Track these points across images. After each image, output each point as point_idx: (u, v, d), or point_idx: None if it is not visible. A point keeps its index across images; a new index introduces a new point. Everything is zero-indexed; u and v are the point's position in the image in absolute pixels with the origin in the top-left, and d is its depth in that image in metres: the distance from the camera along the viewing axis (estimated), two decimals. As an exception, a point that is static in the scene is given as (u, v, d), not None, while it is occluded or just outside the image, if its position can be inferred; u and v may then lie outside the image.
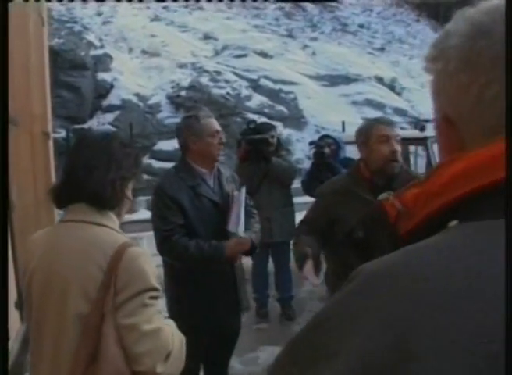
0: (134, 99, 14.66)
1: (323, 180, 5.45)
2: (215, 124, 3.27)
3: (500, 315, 0.51)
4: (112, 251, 1.71)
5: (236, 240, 3.16)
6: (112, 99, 14.50)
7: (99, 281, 1.68)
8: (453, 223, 0.67)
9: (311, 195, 5.91)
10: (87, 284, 1.69)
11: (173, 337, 1.80)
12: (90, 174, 1.81)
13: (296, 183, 6.54)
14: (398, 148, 2.96)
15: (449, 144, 0.78)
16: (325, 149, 5.60)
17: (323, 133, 6.62)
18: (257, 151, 5.26)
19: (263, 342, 5.00)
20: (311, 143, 6.16)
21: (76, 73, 13.94)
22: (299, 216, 6.05)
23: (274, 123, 15.58)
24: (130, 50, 17.87)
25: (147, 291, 1.71)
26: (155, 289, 1.76)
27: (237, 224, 3.15)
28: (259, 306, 5.74)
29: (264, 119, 15.22)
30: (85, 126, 13.98)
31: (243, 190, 3.29)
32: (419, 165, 7.29)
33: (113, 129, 12.30)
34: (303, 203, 8.01)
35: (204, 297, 3.10)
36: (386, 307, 0.57)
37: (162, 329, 1.74)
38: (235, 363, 4.37)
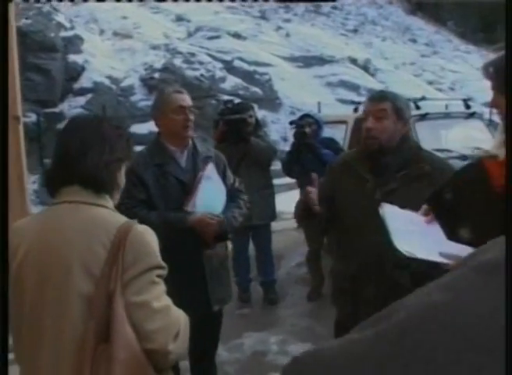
0: (107, 82, 14.40)
1: (304, 161, 5.39)
2: (180, 99, 3.08)
3: None
4: (115, 229, 1.67)
5: (202, 215, 2.98)
6: (84, 82, 14.22)
7: (103, 259, 1.63)
8: None
9: (292, 176, 5.86)
10: (90, 263, 1.64)
11: (180, 315, 1.76)
12: (84, 157, 1.76)
13: (276, 165, 6.47)
14: (375, 124, 2.67)
15: None
16: (306, 129, 5.44)
17: (300, 114, 6.52)
18: (235, 131, 5.13)
19: (247, 328, 4.95)
20: (291, 123, 5.95)
21: (45, 55, 13.60)
22: (279, 198, 6.03)
23: (248, 105, 15.65)
24: (102, 32, 17.56)
25: (155, 269, 1.68)
26: (162, 267, 1.72)
27: (194, 204, 2.98)
28: (241, 291, 5.66)
29: (238, 101, 15.20)
30: (56, 109, 13.70)
31: (209, 167, 3.10)
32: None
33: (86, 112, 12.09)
34: (283, 185, 7.98)
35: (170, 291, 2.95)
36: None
37: (171, 307, 1.71)
38: (220, 350, 4.35)
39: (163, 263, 1.73)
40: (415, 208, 2.09)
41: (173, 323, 1.68)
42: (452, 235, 1.19)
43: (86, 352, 1.55)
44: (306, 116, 5.81)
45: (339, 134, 6.65)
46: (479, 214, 0.67)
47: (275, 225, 6.09)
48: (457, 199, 0.85)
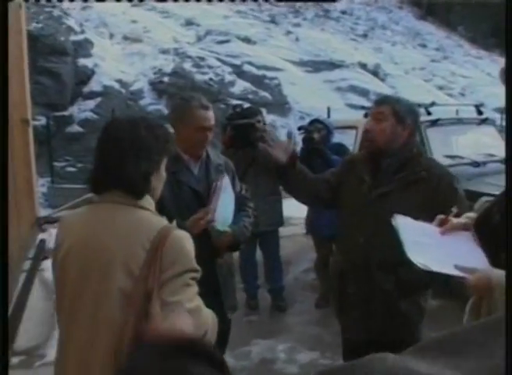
0: (116, 85, 14.46)
1: (313, 166, 5.32)
2: (205, 119, 3.00)
3: None
4: (156, 232, 1.79)
5: (197, 215, 2.86)
6: (94, 85, 14.29)
7: (142, 260, 1.75)
8: None
9: None
10: (131, 262, 1.76)
11: (209, 317, 1.86)
12: (123, 166, 1.87)
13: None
14: (374, 126, 2.72)
15: None
16: (315, 134, 5.33)
17: (310, 118, 6.46)
18: (243, 136, 4.97)
19: (255, 335, 4.89)
20: (299, 128, 5.88)
21: (55, 59, 13.69)
22: (287, 204, 5.99)
23: (258, 109, 15.66)
24: (111, 36, 17.64)
25: (190, 272, 1.81)
26: (196, 270, 1.86)
27: (213, 217, 2.88)
28: (249, 297, 5.60)
29: (247, 105, 15.19)
30: (66, 113, 13.77)
31: (225, 179, 3.04)
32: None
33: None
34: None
35: None
36: None
37: (202, 307, 1.83)
38: (227, 358, 4.30)
39: (197, 267, 1.85)
40: (409, 210, 2.15)
41: (202, 322, 1.79)
42: (495, 260, 1.15)
43: (122, 345, 1.68)
44: (315, 121, 5.74)
45: (349, 140, 6.59)
46: None
47: (283, 230, 6.04)
48: (504, 222, 0.80)
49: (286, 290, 5.84)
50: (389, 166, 2.71)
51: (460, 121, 6.61)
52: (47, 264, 4.54)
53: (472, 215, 1.94)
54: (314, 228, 5.65)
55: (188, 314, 1.70)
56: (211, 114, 3.04)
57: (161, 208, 2.94)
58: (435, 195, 2.56)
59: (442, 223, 1.91)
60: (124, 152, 1.88)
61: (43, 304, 5.44)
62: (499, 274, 1.26)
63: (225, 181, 3.03)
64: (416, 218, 2.11)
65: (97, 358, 1.76)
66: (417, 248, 1.79)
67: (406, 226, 1.95)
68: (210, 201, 2.95)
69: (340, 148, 5.52)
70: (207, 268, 3.02)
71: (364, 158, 2.87)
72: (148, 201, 1.93)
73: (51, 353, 4.37)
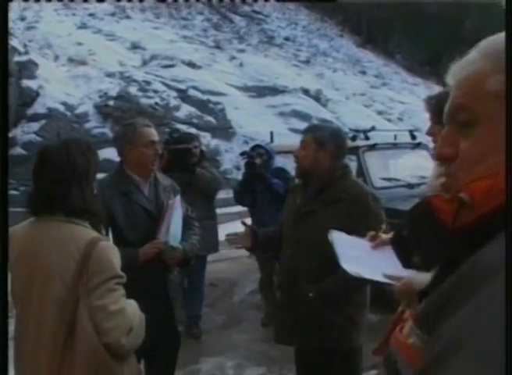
0: (61, 108, 14.35)
1: (255, 190, 5.55)
2: (152, 134, 3.24)
3: None
4: (84, 244, 2.06)
5: (150, 244, 3.09)
6: (38, 107, 14.13)
7: (73, 269, 2.03)
8: None
9: (243, 205, 5.99)
10: (64, 273, 2.03)
11: (134, 315, 2.17)
12: (66, 193, 2.13)
13: (230, 193, 6.56)
14: (299, 152, 3.10)
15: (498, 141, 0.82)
16: (256, 160, 5.58)
17: (253, 143, 6.68)
18: (180, 161, 5.11)
19: (203, 354, 5.04)
20: (242, 154, 6.11)
21: (-2, 80, 13.51)
22: (233, 226, 6.12)
23: (202, 133, 15.79)
24: (56, 57, 17.51)
25: (114, 278, 2.09)
26: (121, 276, 2.13)
27: (167, 233, 3.12)
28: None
29: (192, 130, 15.29)
30: (9, 135, 13.57)
31: (177, 198, 3.27)
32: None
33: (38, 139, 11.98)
34: (236, 213, 8.07)
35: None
36: None
37: (126, 309, 2.11)
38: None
39: (121, 273, 2.13)
40: (330, 226, 2.50)
41: (126, 322, 2.08)
42: (407, 263, 1.38)
43: (58, 342, 1.99)
44: (257, 146, 5.98)
45: (292, 163, 6.84)
46: (429, 243, 0.82)
47: (229, 253, 6.21)
48: (411, 233, 1.00)
49: (233, 309, 5.99)
50: (312, 188, 3.04)
51: (395, 146, 6.98)
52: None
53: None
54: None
55: (112, 315, 2.03)
56: (154, 131, 3.28)
57: (114, 227, 3.10)
58: (351, 212, 2.86)
59: (372, 238, 2.16)
60: (67, 180, 2.14)
61: None
62: (420, 278, 1.48)
63: (177, 200, 3.25)
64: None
65: (44, 352, 2.04)
66: (351, 260, 2.03)
67: (340, 241, 2.19)
68: (162, 218, 3.14)
69: (281, 173, 5.77)
70: (159, 283, 3.20)
71: (299, 184, 3.25)
72: (82, 217, 2.19)
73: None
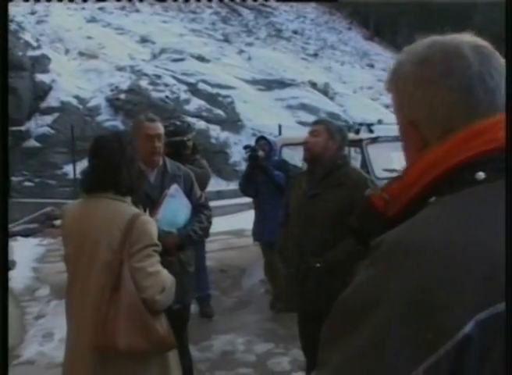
0: (73, 101, 14.66)
1: (258, 182, 5.85)
2: (149, 128, 3.48)
3: (494, 256, 0.81)
4: (128, 218, 2.49)
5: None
6: (51, 101, 14.46)
7: (119, 238, 2.46)
8: (432, 199, 0.94)
9: (248, 195, 6.27)
10: (111, 240, 2.46)
11: (167, 278, 2.58)
12: (116, 174, 2.57)
13: (234, 185, 6.80)
14: (311, 139, 3.50)
15: (415, 143, 1.04)
16: (259, 152, 5.86)
17: (262, 135, 6.97)
18: (176, 153, 5.13)
19: (215, 332, 5.36)
20: (245, 147, 6.37)
21: (13, 74, 13.78)
22: (242, 216, 6.39)
23: (212, 126, 16.08)
24: (67, 51, 17.80)
25: (151, 246, 2.51)
26: (157, 245, 2.56)
27: (156, 219, 3.23)
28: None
29: (202, 123, 15.60)
30: (22, 128, 13.91)
31: (174, 187, 3.48)
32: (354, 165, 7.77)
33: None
34: (246, 203, 8.32)
35: None
36: (408, 265, 0.84)
37: (160, 271, 2.54)
38: (191, 351, 4.77)
39: (158, 242, 2.56)
40: (332, 207, 3.18)
41: (160, 282, 2.49)
42: (365, 246, 1.66)
43: (105, 296, 2.40)
44: (261, 138, 6.28)
45: (300, 155, 7.09)
46: (376, 230, 1.07)
47: (238, 241, 6.49)
48: (364, 223, 1.27)
49: (242, 294, 6.29)
50: (318, 174, 3.45)
51: (397, 139, 7.20)
52: (12, 274, 4.86)
53: None
54: (259, 235, 6.06)
55: (149, 276, 2.45)
56: (155, 125, 3.53)
57: None
58: (352, 195, 3.23)
59: None
60: (118, 164, 2.57)
61: (11, 310, 5.75)
62: None
63: (174, 189, 3.48)
64: (338, 212, 3.16)
65: (90, 304, 2.46)
66: None
67: None
68: (158, 205, 3.40)
69: (282, 165, 6.08)
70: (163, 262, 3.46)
71: (305, 171, 3.67)
72: (126, 196, 2.63)
73: (26, 353, 4.76)
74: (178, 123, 6.58)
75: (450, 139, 0.96)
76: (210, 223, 3.83)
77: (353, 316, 0.88)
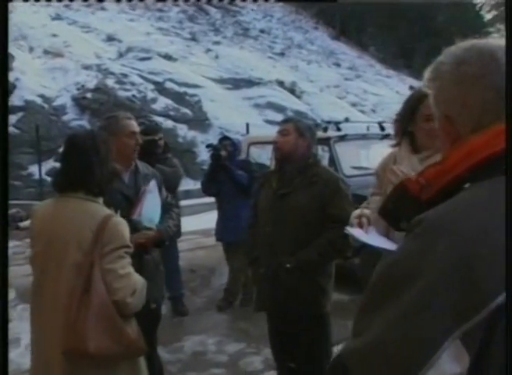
0: (38, 101, 14.43)
1: (220, 181, 5.85)
2: (133, 125, 3.50)
3: None
4: (100, 218, 2.46)
5: (139, 233, 3.34)
6: (15, 100, 14.18)
7: (90, 239, 2.41)
8: (467, 185, 1.07)
9: (210, 195, 6.26)
10: (82, 241, 2.42)
11: (138, 280, 2.56)
12: (89, 173, 2.52)
13: (199, 185, 6.77)
14: (280, 139, 3.47)
15: (450, 136, 1.16)
16: (222, 152, 5.86)
17: (229, 135, 6.98)
18: (147, 152, 5.04)
19: (186, 333, 5.35)
20: (208, 146, 6.38)
21: (-26, 73, 13.54)
22: (209, 216, 6.36)
23: (179, 125, 16.00)
24: (31, 49, 17.50)
25: (123, 247, 2.48)
26: (129, 246, 2.53)
27: (140, 214, 3.37)
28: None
29: (169, 122, 15.52)
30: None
31: (152, 183, 3.51)
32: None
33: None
34: (204, 204, 8.26)
35: None
36: (447, 240, 0.95)
37: (132, 273, 2.52)
38: (162, 353, 4.73)
39: (130, 244, 2.54)
40: (303, 206, 3.21)
41: (131, 284, 2.47)
42: (397, 228, 1.71)
43: (75, 298, 2.35)
44: (224, 138, 6.28)
45: (268, 154, 7.13)
46: (409, 212, 1.15)
47: (206, 241, 6.50)
48: (396, 206, 1.36)
49: (212, 294, 6.29)
50: (289, 173, 3.43)
51: (365, 136, 7.32)
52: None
53: (367, 211, 2.59)
54: (221, 235, 6.10)
55: (121, 277, 2.41)
56: (135, 123, 3.56)
57: None
58: (323, 194, 3.29)
59: (359, 222, 2.56)
60: (91, 163, 2.53)
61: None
62: None
63: (152, 185, 3.51)
64: (309, 211, 3.20)
65: (60, 307, 2.39)
66: (373, 240, 2.43)
67: (355, 231, 2.60)
68: (137, 201, 3.41)
69: (245, 164, 6.09)
70: (135, 263, 3.45)
71: (274, 170, 3.65)
72: (98, 196, 2.60)
73: None
74: (147, 122, 6.61)
75: (487, 132, 1.08)
76: (179, 221, 3.90)
77: (397, 284, 0.98)
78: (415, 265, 0.96)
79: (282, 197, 3.39)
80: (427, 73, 1.23)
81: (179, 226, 3.89)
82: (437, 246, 0.95)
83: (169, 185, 5.46)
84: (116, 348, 2.38)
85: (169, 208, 3.78)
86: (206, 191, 6.12)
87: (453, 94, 1.14)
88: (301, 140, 3.45)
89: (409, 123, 2.56)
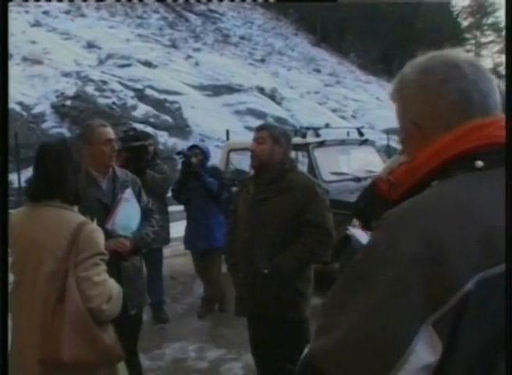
0: (17, 108, 14.31)
1: (190, 188, 5.87)
2: (108, 133, 3.53)
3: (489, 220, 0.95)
4: (74, 226, 2.45)
5: (114, 240, 3.35)
6: (-7, 108, 14.06)
7: (64, 247, 2.41)
8: (435, 182, 1.08)
9: (180, 202, 6.25)
10: (56, 249, 2.42)
11: (114, 287, 2.56)
12: (63, 181, 2.53)
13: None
14: (256, 147, 3.50)
15: (418, 142, 1.18)
16: (192, 159, 5.87)
17: (209, 141, 7.04)
18: (137, 158, 5.36)
19: (166, 340, 5.34)
20: (178, 153, 6.40)
21: (-48, 80, 13.41)
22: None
23: (159, 132, 15.99)
24: (10, 56, 17.36)
25: (98, 255, 2.48)
26: (104, 254, 2.53)
27: (113, 222, 3.37)
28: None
29: (149, 129, 15.47)
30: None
31: (127, 191, 3.52)
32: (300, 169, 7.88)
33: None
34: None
35: None
36: (417, 228, 0.97)
37: (107, 280, 2.52)
38: (142, 360, 4.72)
39: (104, 251, 2.54)
40: (280, 211, 3.22)
41: (107, 291, 2.47)
42: (368, 227, 1.74)
43: (49, 306, 2.34)
44: (193, 146, 6.31)
45: (247, 160, 7.14)
46: (379, 212, 1.17)
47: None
48: (367, 205, 1.39)
49: (193, 300, 6.28)
50: (266, 179, 3.46)
51: (343, 142, 7.38)
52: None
53: None
54: (191, 243, 6.08)
55: (96, 285, 2.42)
56: (110, 130, 3.58)
57: None
58: (300, 199, 3.32)
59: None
60: (65, 172, 2.53)
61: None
62: None
63: (128, 193, 3.51)
64: (286, 216, 3.22)
65: (36, 314, 2.39)
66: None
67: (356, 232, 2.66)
68: (113, 210, 3.41)
69: (215, 171, 6.14)
70: (112, 270, 3.45)
71: (251, 176, 3.68)
72: (72, 204, 2.59)
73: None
74: (136, 128, 6.65)
75: (454, 131, 1.11)
76: (159, 227, 3.89)
77: (365, 276, 0.99)
78: (385, 254, 0.98)
79: (259, 202, 3.42)
80: (392, 86, 1.26)
81: (158, 232, 3.90)
82: (404, 237, 0.98)
83: (158, 191, 5.54)
84: (92, 355, 2.38)
85: (149, 215, 3.79)
86: (177, 198, 6.11)
87: (422, 100, 1.18)
88: (277, 147, 3.46)
89: None
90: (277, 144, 3.47)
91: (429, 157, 1.12)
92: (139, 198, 3.69)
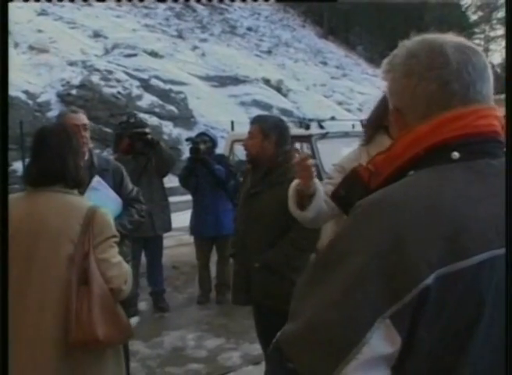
0: (23, 97, 14.33)
1: (198, 175, 5.88)
2: (74, 118, 3.47)
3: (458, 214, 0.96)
4: (85, 210, 2.46)
5: None
6: (-1, 96, 14.09)
7: (78, 230, 2.42)
8: (411, 172, 1.09)
9: (188, 189, 6.27)
10: (71, 233, 2.41)
11: (128, 268, 2.59)
12: (65, 166, 2.52)
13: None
14: (247, 142, 3.50)
15: (399, 128, 1.19)
16: (201, 145, 5.90)
17: (215, 132, 7.00)
18: (141, 143, 5.45)
19: (166, 328, 5.37)
20: (187, 139, 6.43)
21: (-42, 68, 13.44)
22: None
23: (164, 122, 15.98)
24: (16, 45, 17.37)
25: (112, 237, 2.53)
26: (117, 236, 2.58)
27: None
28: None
29: (154, 119, 15.49)
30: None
31: (95, 180, 3.38)
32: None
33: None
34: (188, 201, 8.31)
35: None
36: (383, 221, 0.98)
37: (122, 262, 2.55)
38: (142, 348, 4.77)
39: (117, 233, 2.58)
40: (273, 205, 3.17)
41: (124, 272, 2.52)
42: (347, 214, 1.73)
43: (72, 291, 2.32)
44: (202, 134, 6.34)
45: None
46: (359, 199, 1.17)
47: (190, 238, 6.51)
48: (347, 192, 1.38)
49: (194, 291, 6.31)
50: (259, 172, 3.48)
51: (347, 134, 7.37)
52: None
53: None
54: (200, 230, 6.08)
55: (114, 266, 2.45)
56: (80, 116, 3.56)
57: None
58: (287, 193, 3.25)
59: None
60: (65, 156, 2.52)
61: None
62: None
63: (96, 182, 3.39)
64: (276, 211, 3.19)
65: (48, 318, 2.33)
66: None
67: None
68: None
69: (222, 159, 6.16)
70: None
71: (249, 168, 3.69)
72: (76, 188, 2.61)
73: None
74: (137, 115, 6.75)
75: (431, 121, 1.10)
76: (142, 216, 3.80)
77: (330, 265, 1.00)
78: (348, 244, 1.00)
79: (253, 196, 3.44)
80: (383, 66, 1.26)
81: (139, 222, 3.81)
82: (369, 225, 0.99)
83: (164, 167, 5.58)
84: (118, 334, 2.46)
85: (131, 204, 3.70)
86: (185, 185, 6.13)
87: (403, 86, 1.17)
88: (266, 142, 3.43)
89: (384, 117, 2.58)
90: (267, 138, 3.44)
91: (407, 146, 1.12)
92: (120, 187, 3.63)
